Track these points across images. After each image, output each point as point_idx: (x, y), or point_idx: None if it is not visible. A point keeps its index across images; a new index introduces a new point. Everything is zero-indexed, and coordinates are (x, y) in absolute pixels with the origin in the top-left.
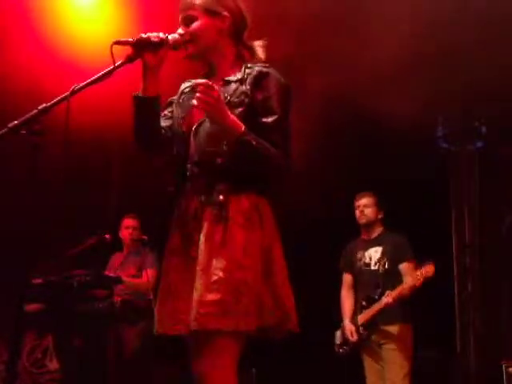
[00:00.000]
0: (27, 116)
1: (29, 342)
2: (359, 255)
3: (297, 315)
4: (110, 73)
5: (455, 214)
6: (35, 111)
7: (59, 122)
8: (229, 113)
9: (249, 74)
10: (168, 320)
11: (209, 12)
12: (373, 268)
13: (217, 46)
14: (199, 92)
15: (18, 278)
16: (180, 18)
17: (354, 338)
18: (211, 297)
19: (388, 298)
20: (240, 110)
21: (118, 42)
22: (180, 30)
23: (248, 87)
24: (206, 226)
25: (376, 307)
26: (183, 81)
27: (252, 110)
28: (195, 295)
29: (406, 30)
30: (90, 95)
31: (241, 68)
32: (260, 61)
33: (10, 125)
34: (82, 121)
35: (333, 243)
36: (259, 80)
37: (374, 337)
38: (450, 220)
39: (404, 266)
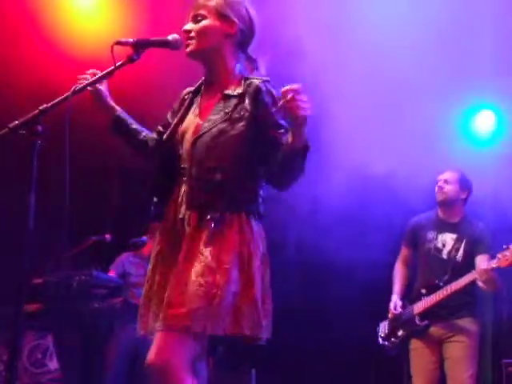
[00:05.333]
0: (28, 116)
1: (29, 341)
2: (431, 235)
3: (270, 327)
4: (110, 73)
5: None
6: (36, 111)
7: (60, 122)
8: None
9: (248, 88)
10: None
11: (220, 15)
12: (444, 257)
13: (219, 50)
14: (299, 96)
15: (18, 278)
16: (191, 15)
17: (396, 310)
18: (180, 299)
19: (454, 286)
20: (242, 124)
21: (118, 43)
22: (187, 26)
23: (248, 102)
24: (190, 232)
25: (439, 296)
26: (184, 84)
27: (253, 124)
28: (166, 295)
29: None
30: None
31: (240, 81)
32: (260, 74)
33: (11, 125)
34: (82, 120)
35: None
36: (256, 95)
37: (434, 330)
38: None
39: (479, 259)
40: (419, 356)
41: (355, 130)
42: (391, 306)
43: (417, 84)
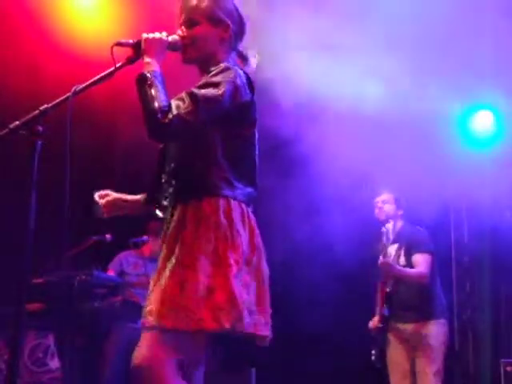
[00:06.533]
0: (28, 117)
1: (30, 341)
2: (383, 253)
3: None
4: (111, 74)
5: (454, 212)
6: (36, 112)
7: (61, 123)
8: (155, 57)
9: None
10: None
11: (213, 19)
12: None
13: (215, 55)
14: None
15: (19, 277)
16: (182, 18)
17: (372, 325)
18: (155, 295)
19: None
20: None
21: (118, 44)
22: (180, 32)
23: None
24: (171, 227)
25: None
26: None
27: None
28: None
29: None
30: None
31: None
32: (249, 69)
33: (11, 125)
34: (83, 120)
35: None
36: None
37: (393, 334)
38: (449, 218)
39: (416, 257)
40: (394, 368)
41: (354, 131)
42: (369, 324)
43: (417, 84)
